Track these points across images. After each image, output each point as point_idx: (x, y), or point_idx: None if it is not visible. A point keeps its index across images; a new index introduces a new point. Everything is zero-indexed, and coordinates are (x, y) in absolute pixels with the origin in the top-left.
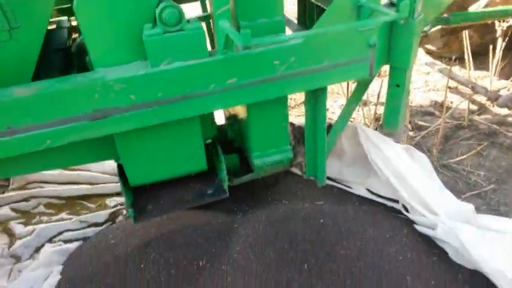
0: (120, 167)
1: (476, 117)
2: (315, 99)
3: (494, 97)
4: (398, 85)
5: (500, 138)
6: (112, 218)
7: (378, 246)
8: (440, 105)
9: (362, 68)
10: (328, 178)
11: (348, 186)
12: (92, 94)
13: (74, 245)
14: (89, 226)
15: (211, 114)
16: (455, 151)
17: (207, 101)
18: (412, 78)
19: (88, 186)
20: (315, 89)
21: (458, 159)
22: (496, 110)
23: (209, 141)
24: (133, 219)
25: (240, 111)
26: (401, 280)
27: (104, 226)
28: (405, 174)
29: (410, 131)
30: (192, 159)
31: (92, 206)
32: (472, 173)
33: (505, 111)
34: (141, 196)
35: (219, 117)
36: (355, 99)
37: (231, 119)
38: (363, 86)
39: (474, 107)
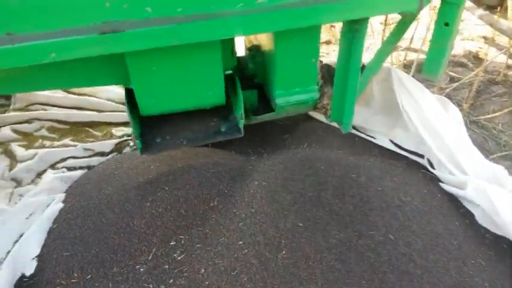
0: (128, 92)
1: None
2: (353, 33)
3: None
4: (447, 23)
5: None
6: (118, 148)
7: (405, 202)
8: (473, 57)
9: None
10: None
11: (371, 136)
12: (103, 2)
13: (78, 173)
14: (94, 155)
15: (233, 42)
16: (487, 107)
17: (233, 23)
18: None
19: (95, 112)
20: (355, 19)
21: (489, 116)
22: None
23: (229, 72)
24: (139, 150)
25: (265, 40)
26: (432, 240)
27: (109, 156)
28: (437, 127)
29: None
30: (210, 91)
31: (98, 134)
32: (503, 133)
33: None
34: (149, 128)
35: (239, 48)
36: (395, 37)
37: (254, 50)
38: (405, 22)
39: (510, 62)
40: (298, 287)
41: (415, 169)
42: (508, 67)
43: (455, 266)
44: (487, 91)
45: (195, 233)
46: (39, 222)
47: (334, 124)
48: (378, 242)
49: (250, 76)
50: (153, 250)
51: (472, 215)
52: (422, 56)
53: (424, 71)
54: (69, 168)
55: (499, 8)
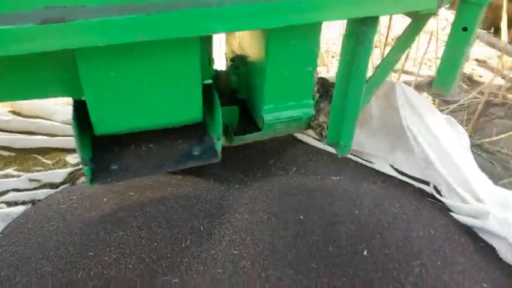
0: (78, 105)
1: (510, 95)
2: (358, 36)
3: None
4: (466, 28)
5: None
6: (71, 178)
7: (421, 237)
8: (468, 78)
9: None
10: None
11: (369, 161)
12: None
13: (19, 209)
14: (41, 187)
15: (210, 47)
16: (488, 130)
17: (220, 14)
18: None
19: (46, 137)
20: (363, 18)
21: (493, 139)
22: None
23: (208, 82)
24: (88, 180)
25: (253, 46)
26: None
27: (60, 188)
28: (448, 149)
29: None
30: (185, 105)
31: (48, 162)
32: (511, 156)
33: None
34: (103, 151)
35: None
36: (404, 44)
37: (237, 60)
38: (417, 25)
39: (507, 84)
40: None
41: (424, 198)
42: (507, 89)
43: None
44: (486, 113)
45: (160, 283)
46: None
47: (326, 148)
48: None
49: (231, 91)
50: None
51: (493, 249)
52: (420, 79)
53: (435, 83)
54: (9, 204)
55: (492, 29)
